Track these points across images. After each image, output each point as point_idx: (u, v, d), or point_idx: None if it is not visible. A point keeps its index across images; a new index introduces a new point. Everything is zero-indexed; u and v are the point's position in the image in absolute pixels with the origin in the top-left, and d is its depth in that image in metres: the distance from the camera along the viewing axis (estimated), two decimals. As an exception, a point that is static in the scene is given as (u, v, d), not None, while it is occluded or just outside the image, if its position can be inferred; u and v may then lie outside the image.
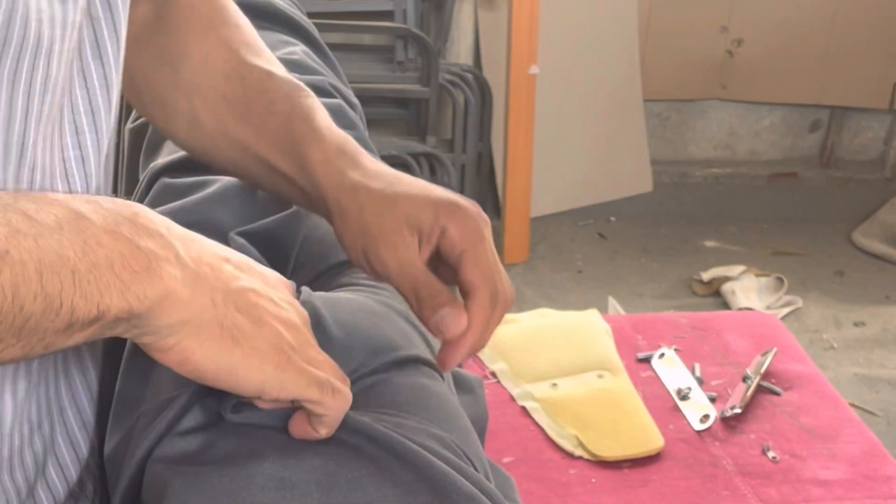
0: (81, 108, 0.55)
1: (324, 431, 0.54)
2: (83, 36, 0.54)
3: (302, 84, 0.71)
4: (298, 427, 0.54)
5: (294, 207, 0.74)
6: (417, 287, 0.60)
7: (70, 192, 0.55)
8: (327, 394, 0.53)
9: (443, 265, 0.63)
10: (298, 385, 0.52)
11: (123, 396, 0.62)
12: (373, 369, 0.62)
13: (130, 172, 0.91)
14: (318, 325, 0.61)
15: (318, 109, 0.69)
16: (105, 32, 0.55)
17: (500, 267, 0.62)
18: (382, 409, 0.59)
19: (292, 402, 0.53)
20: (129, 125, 0.92)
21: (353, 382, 0.61)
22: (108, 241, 0.44)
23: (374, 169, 0.65)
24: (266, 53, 0.73)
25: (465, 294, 0.61)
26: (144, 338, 0.47)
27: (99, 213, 0.45)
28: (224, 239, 0.72)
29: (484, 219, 0.63)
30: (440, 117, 2.71)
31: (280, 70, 0.72)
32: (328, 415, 0.53)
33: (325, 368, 0.54)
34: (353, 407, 0.56)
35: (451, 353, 0.61)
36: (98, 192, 0.58)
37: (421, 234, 0.61)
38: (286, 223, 0.75)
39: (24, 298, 0.41)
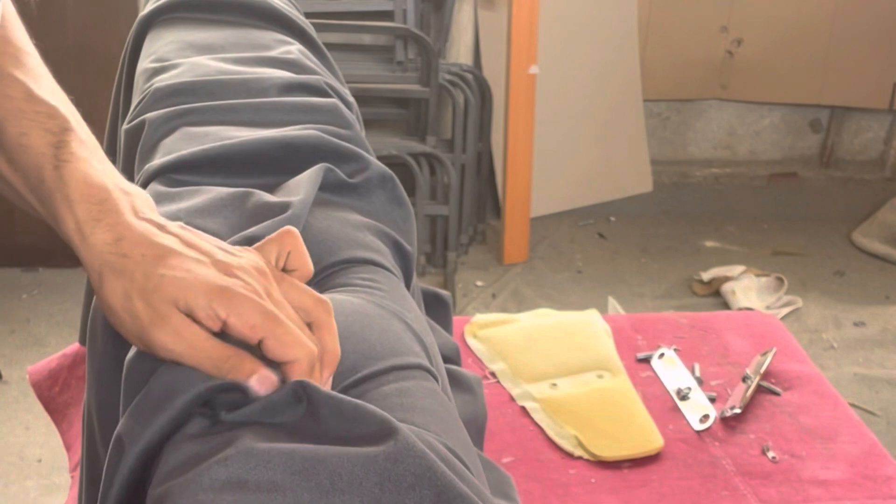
0: None
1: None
2: None
3: (62, 112, 0.64)
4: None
5: (288, 213, 0.72)
6: (216, 363, 0.56)
7: None
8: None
9: None
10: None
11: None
12: (365, 375, 0.62)
13: (126, 174, 0.91)
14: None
15: (79, 154, 0.62)
16: None
17: (290, 305, 0.59)
18: None
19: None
20: (124, 126, 0.92)
21: (346, 389, 0.60)
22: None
23: (137, 237, 0.58)
24: (36, 70, 0.66)
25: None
26: None
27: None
28: None
29: (260, 286, 0.58)
30: (440, 117, 2.71)
31: (44, 91, 0.65)
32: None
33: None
34: None
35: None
36: None
37: (195, 319, 0.56)
38: (279, 228, 0.74)
39: None
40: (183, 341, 0.56)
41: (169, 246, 0.58)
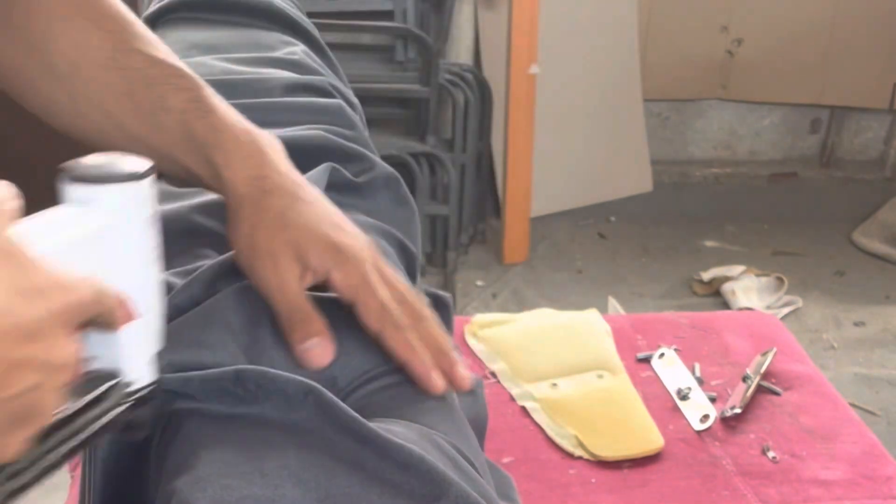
0: None
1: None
2: None
3: (187, 70, 0.68)
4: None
5: None
6: (291, 311, 0.61)
7: None
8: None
9: None
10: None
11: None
12: (372, 376, 0.62)
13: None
14: None
15: (217, 104, 0.67)
16: None
17: (395, 284, 0.63)
18: (379, 415, 0.59)
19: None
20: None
21: (354, 390, 0.61)
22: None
23: (280, 180, 0.64)
24: (146, 36, 0.70)
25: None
26: None
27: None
28: (212, 246, 0.72)
29: (364, 259, 0.63)
30: (440, 117, 2.71)
31: (162, 53, 0.69)
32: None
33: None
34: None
35: (424, 385, 0.62)
36: None
37: (305, 267, 0.62)
38: None
39: None
40: (278, 278, 0.60)
41: (303, 196, 0.64)
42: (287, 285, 0.61)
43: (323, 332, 0.60)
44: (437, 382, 0.63)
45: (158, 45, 0.69)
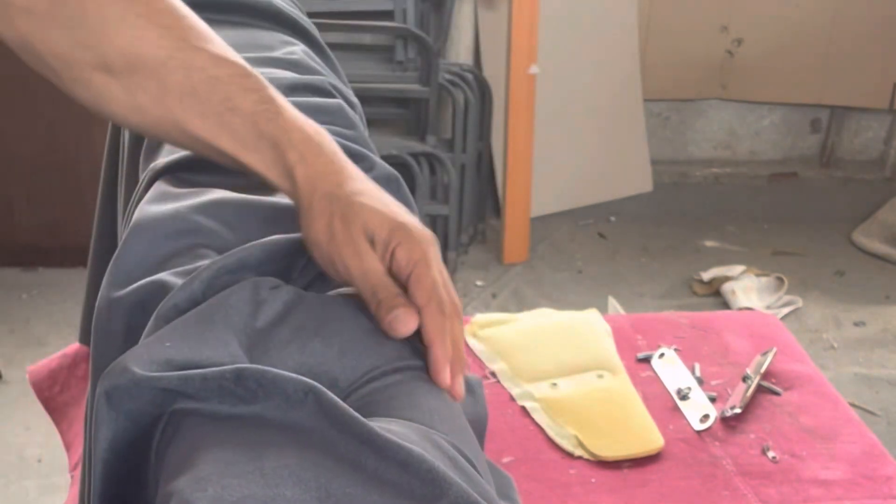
0: None
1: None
2: None
3: (251, 69, 0.70)
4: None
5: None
6: (377, 290, 0.64)
7: None
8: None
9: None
10: None
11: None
12: (373, 376, 0.62)
13: (130, 173, 0.91)
14: (317, 334, 0.62)
15: (283, 104, 0.69)
16: None
17: (446, 281, 0.67)
18: (380, 415, 0.59)
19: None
20: (129, 125, 0.92)
21: (354, 389, 0.61)
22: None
23: (347, 172, 0.68)
24: (204, 31, 0.70)
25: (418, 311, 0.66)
26: None
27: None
28: (212, 246, 0.72)
29: (429, 240, 0.67)
30: (440, 117, 2.71)
31: (223, 50, 0.70)
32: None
33: None
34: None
35: (436, 371, 0.65)
36: None
37: (374, 246, 0.65)
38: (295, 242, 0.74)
39: None
40: (362, 264, 0.65)
41: (367, 185, 0.68)
42: (371, 268, 0.65)
43: (406, 304, 0.64)
44: (446, 376, 0.65)
45: (217, 41, 0.70)
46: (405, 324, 0.64)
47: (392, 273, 0.66)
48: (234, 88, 0.68)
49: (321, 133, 0.69)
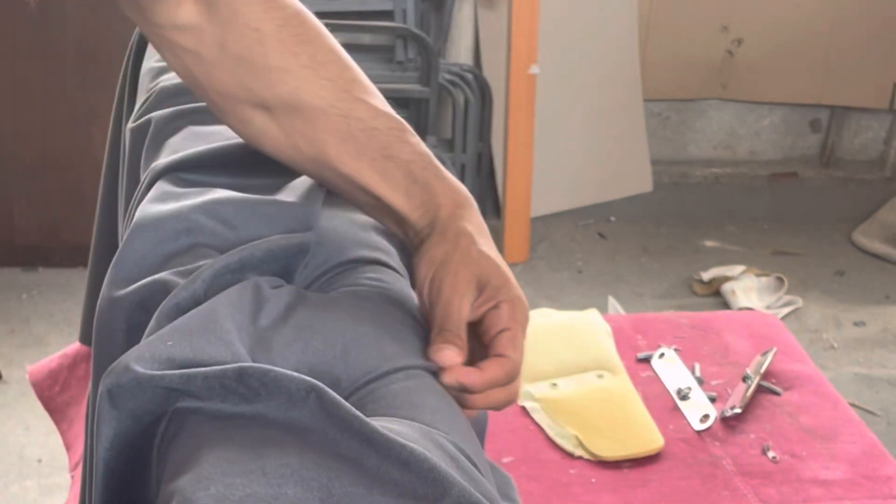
0: None
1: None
2: None
3: (405, 124, 0.74)
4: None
5: (308, 233, 0.74)
6: (450, 324, 0.68)
7: None
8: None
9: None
10: None
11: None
12: (375, 376, 0.62)
13: (131, 173, 0.91)
14: (319, 333, 0.62)
15: (432, 156, 0.75)
16: None
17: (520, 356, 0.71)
18: (382, 414, 0.59)
19: None
20: (130, 125, 0.92)
21: (356, 390, 0.61)
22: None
23: (475, 222, 0.74)
24: (365, 83, 0.74)
25: (491, 357, 0.70)
26: None
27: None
28: (213, 246, 0.72)
29: (528, 311, 0.73)
30: (440, 117, 2.71)
31: (383, 105, 0.74)
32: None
33: None
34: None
35: (472, 404, 0.68)
36: None
37: (481, 293, 0.70)
38: (297, 241, 0.74)
39: None
40: (459, 299, 0.69)
41: (487, 238, 0.74)
42: (456, 305, 0.69)
43: (462, 346, 0.67)
44: (474, 413, 0.70)
45: (378, 96, 0.74)
46: (449, 357, 0.67)
47: (481, 322, 0.70)
48: (392, 139, 0.72)
49: (462, 186, 0.76)
